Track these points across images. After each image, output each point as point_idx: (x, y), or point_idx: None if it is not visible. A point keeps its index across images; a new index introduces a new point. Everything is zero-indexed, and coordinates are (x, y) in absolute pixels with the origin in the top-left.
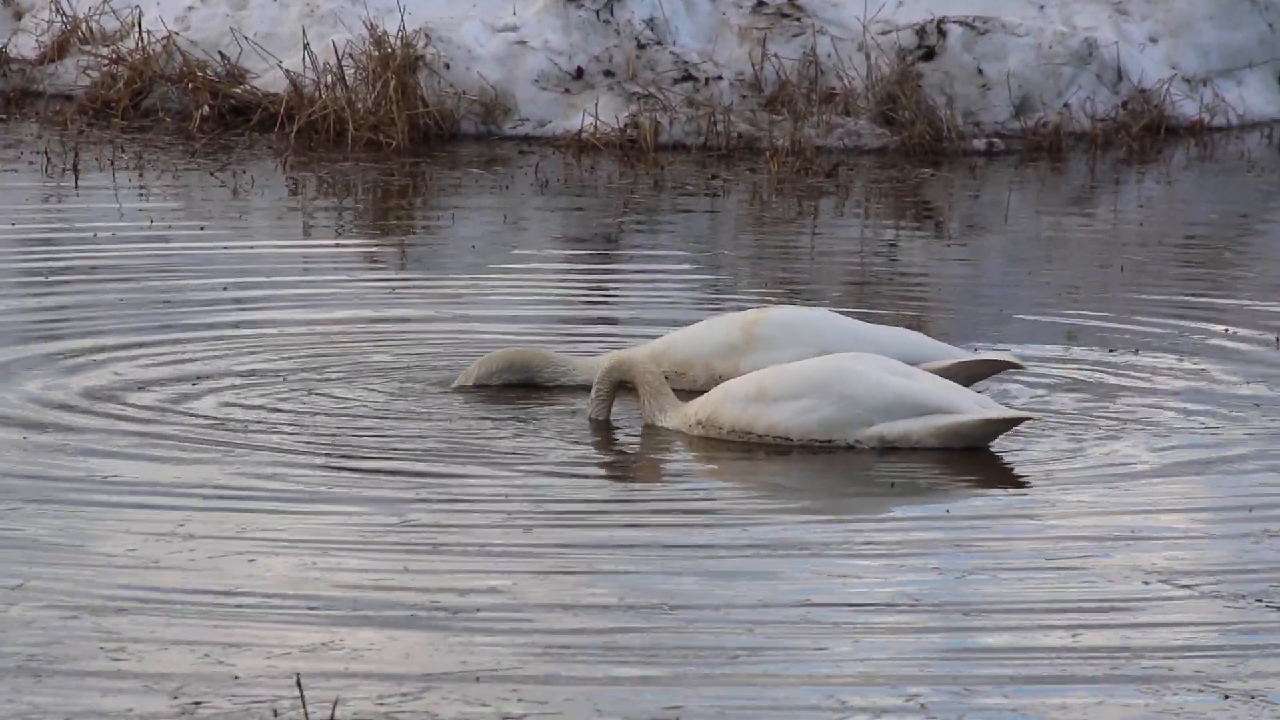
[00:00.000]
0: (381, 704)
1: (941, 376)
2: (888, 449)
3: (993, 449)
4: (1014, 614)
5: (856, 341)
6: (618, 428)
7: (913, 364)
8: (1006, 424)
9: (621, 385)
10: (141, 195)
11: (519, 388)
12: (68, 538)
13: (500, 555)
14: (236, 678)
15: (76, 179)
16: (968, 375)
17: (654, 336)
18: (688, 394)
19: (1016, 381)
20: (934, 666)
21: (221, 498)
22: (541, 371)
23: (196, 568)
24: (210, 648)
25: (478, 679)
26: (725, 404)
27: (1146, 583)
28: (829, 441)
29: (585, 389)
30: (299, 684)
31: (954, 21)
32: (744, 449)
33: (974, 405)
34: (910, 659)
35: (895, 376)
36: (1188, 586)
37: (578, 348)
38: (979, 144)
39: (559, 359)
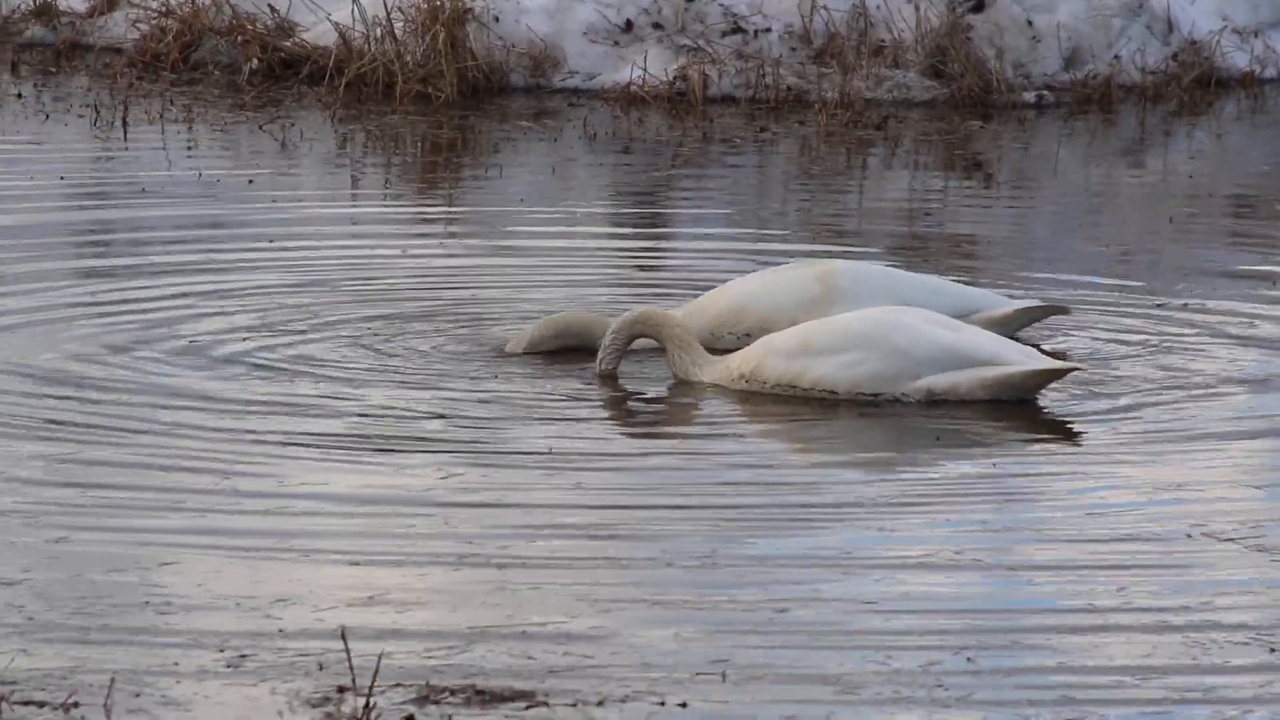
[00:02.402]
0: (428, 658)
1: (997, 325)
2: (935, 402)
3: (1039, 401)
4: (1059, 568)
5: (929, 293)
6: (653, 382)
7: (973, 314)
8: (1053, 375)
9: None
10: (190, 148)
11: (566, 352)
12: (113, 493)
13: (544, 509)
14: (282, 631)
15: (125, 132)
16: (1022, 321)
17: (701, 290)
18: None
19: (1064, 334)
20: (980, 620)
21: (265, 454)
22: (600, 336)
23: (241, 523)
24: (256, 603)
25: (523, 633)
26: (769, 358)
27: (1190, 536)
28: (876, 395)
29: (637, 352)
30: (344, 638)
31: None
32: (789, 403)
33: (1021, 357)
34: (956, 612)
35: (942, 329)
36: (1232, 540)
37: (625, 301)
38: (1029, 96)
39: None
